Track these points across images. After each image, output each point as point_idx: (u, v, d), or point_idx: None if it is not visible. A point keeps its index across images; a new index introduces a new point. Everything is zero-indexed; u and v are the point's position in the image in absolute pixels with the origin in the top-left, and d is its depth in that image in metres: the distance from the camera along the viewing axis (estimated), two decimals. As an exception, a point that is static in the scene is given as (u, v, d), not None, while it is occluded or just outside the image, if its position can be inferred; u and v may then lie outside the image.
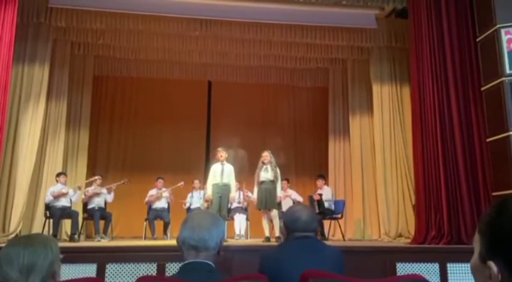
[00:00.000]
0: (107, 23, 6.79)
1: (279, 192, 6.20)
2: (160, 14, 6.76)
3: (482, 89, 5.43)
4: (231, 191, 6.15)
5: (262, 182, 6.06)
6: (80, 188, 6.83)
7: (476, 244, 0.72)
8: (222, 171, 6.08)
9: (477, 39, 5.54)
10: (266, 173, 6.07)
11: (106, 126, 8.94)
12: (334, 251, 2.00)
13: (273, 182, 6.04)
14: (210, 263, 1.45)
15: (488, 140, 5.32)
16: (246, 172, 7.99)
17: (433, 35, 5.88)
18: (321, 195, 6.91)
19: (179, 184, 7.44)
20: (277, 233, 6.09)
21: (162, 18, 6.84)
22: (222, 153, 6.18)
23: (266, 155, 6.13)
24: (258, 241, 6.14)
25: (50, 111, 7.14)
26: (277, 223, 6.16)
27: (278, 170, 6.14)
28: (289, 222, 1.99)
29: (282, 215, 2.28)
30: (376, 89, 7.54)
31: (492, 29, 5.21)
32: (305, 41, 7.37)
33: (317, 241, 2.02)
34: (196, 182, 7.66)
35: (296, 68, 8.52)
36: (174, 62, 8.28)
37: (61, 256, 1.35)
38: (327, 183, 7.60)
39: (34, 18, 6.57)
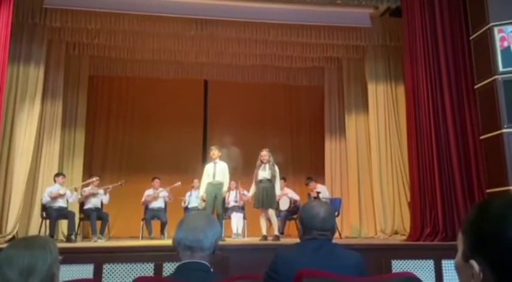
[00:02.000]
0: (102, 23, 6.78)
1: (278, 191, 6.19)
2: (155, 13, 6.76)
3: (476, 87, 5.48)
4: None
5: (260, 181, 6.06)
6: (76, 190, 6.84)
7: (460, 243, 0.74)
8: (214, 170, 6.09)
9: (470, 38, 5.58)
10: (264, 172, 6.07)
11: (102, 126, 8.94)
12: (354, 256, 1.86)
13: (271, 181, 6.06)
14: (206, 263, 1.47)
15: (481, 137, 5.36)
16: (242, 171, 8.03)
17: (427, 34, 5.93)
18: (318, 193, 6.95)
19: (176, 184, 7.45)
20: (275, 232, 6.12)
21: (158, 18, 6.84)
22: (214, 152, 6.20)
23: (264, 154, 6.13)
24: (255, 240, 6.17)
25: (45, 111, 7.12)
26: (275, 222, 6.18)
27: (276, 169, 6.15)
28: (307, 219, 1.85)
29: (299, 211, 2.14)
30: (371, 87, 7.58)
31: (485, 28, 5.25)
32: (300, 40, 7.39)
33: (336, 245, 1.90)
34: (196, 181, 7.69)
35: (292, 67, 8.54)
36: (170, 62, 8.27)
37: (60, 258, 1.37)
38: (322, 182, 7.62)
39: (29, 19, 6.56)
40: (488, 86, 5.23)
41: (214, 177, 6.04)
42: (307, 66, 8.53)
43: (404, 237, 6.24)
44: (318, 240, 1.82)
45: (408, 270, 4.35)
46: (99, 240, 6.34)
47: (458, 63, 5.74)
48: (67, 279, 1.74)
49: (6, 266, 1.27)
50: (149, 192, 7.38)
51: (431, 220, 5.62)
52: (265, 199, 6.01)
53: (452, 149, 5.59)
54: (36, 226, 6.49)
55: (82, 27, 6.93)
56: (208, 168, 6.16)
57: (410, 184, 6.35)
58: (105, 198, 7.01)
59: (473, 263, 0.69)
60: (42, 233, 6.14)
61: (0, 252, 1.33)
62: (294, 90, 9.54)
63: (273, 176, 6.04)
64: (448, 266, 4.59)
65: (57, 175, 6.66)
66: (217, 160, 6.19)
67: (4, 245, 4.94)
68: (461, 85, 5.71)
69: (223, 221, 6.62)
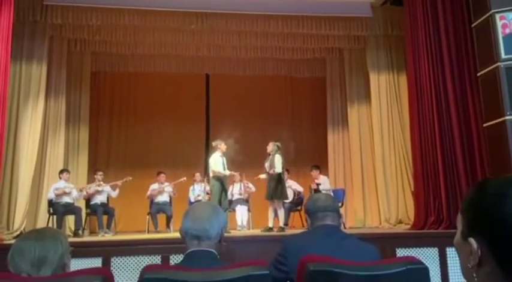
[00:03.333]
0: (103, 19, 6.79)
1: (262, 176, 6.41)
2: (155, 8, 6.76)
3: (478, 74, 5.46)
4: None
5: (267, 173, 6.26)
6: (82, 190, 6.90)
7: (459, 223, 0.77)
8: (223, 163, 6.18)
9: (472, 25, 5.55)
10: (266, 164, 6.26)
11: (105, 122, 8.97)
12: (369, 248, 1.82)
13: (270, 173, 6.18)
14: (213, 251, 1.51)
15: (485, 125, 5.35)
16: (246, 164, 8.04)
17: (429, 22, 5.91)
18: (318, 184, 6.98)
19: (181, 179, 7.48)
20: (280, 223, 6.20)
21: (158, 12, 6.84)
22: (224, 145, 6.33)
23: (268, 146, 6.31)
24: (259, 232, 6.22)
25: (49, 109, 7.16)
26: (281, 213, 6.26)
27: (275, 158, 6.19)
28: (311, 204, 1.96)
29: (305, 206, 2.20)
30: (373, 77, 7.56)
31: (487, 15, 5.22)
32: (301, 32, 7.37)
33: (350, 236, 1.93)
34: (197, 175, 7.72)
35: (293, 58, 8.52)
36: (171, 56, 8.27)
37: (71, 248, 1.40)
38: (326, 173, 7.63)
39: (30, 16, 6.57)
40: (490, 73, 5.21)
41: (224, 170, 6.16)
42: (308, 58, 8.51)
43: (408, 227, 6.26)
44: (327, 227, 1.83)
45: (413, 258, 4.38)
46: (106, 235, 6.40)
47: (460, 51, 5.73)
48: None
49: (18, 257, 1.31)
50: (154, 186, 7.42)
51: (435, 208, 5.65)
52: (269, 190, 6.16)
53: (455, 137, 5.60)
54: (43, 222, 6.55)
55: (83, 24, 6.94)
56: (218, 159, 6.22)
57: (414, 173, 6.37)
58: (114, 193, 7.09)
59: (472, 240, 0.71)
60: (49, 229, 6.19)
61: (12, 244, 1.36)
62: (296, 82, 9.52)
63: (269, 166, 6.17)
64: (453, 254, 4.61)
65: (61, 172, 6.73)
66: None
67: (12, 241, 5.01)
68: (464, 73, 5.70)
69: (228, 213, 6.67)
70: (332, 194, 7.08)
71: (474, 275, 0.71)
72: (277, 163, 6.15)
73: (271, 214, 6.27)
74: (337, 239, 1.80)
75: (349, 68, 8.19)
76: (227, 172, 6.21)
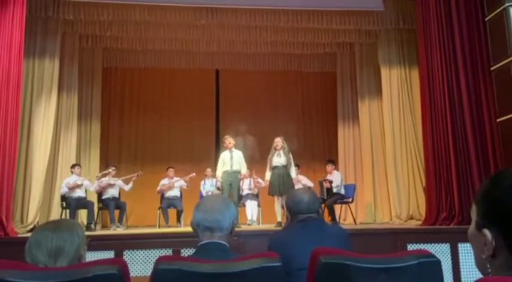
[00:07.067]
0: (114, 15, 6.83)
1: (293, 175, 6.21)
2: (166, 3, 6.78)
3: (492, 68, 5.39)
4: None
5: (275, 167, 6.06)
6: (98, 178, 6.99)
7: (473, 214, 0.77)
8: (231, 158, 6.16)
9: (486, 19, 5.48)
10: (279, 158, 6.07)
11: (116, 117, 9.05)
12: (338, 230, 2.08)
13: (286, 167, 6.06)
14: (225, 243, 1.52)
15: (498, 120, 5.29)
16: (256, 159, 8.06)
17: (441, 15, 5.83)
18: (331, 182, 6.94)
19: (191, 175, 7.52)
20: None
21: (168, 8, 6.86)
22: (230, 140, 6.27)
23: (278, 141, 6.14)
24: (269, 226, 6.24)
25: (61, 104, 7.24)
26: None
27: (291, 156, 6.18)
28: (292, 205, 2.06)
29: (286, 199, 2.33)
30: (384, 72, 7.50)
31: (500, 8, 5.14)
32: (312, 26, 7.32)
33: (321, 222, 2.11)
34: (209, 170, 7.76)
35: (303, 53, 8.48)
36: (181, 52, 8.30)
37: (88, 240, 1.43)
38: (337, 168, 7.62)
39: (42, 12, 6.64)
40: (504, 67, 5.14)
41: (231, 166, 6.12)
42: (318, 53, 8.47)
43: (419, 222, 6.22)
44: (305, 221, 2.00)
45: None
46: (118, 229, 6.48)
47: (473, 45, 5.64)
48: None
49: (35, 248, 1.33)
50: (164, 181, 7.48)
51: (447, 204, 5.60)
52: (282, 186, 5.99)
53: (468, 132, 5.53)
54: (57, 216, 6.65)
55: (94, 19, 6.99)
56: (225, 156, 6.23)
57: (425, 168, 6.32)
58: (128, 187, 7.16)
59: (486, 231, 0.71)
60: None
61: (29, 236, 1.39)
62: (306, 77, 9.49)
63: (288, 163, 6.06)
64: (465, 250, 4.58)
65: (73, 166, 6.81)
66: (233, 149, 6.26)
67: (27, 235, 5.10)
68: (477, 67, 5.62)
69: (238, 209, 6.69)
70: (343, 190, 7.05)
71: (488, 266, 0.71)
72: (292, 162, 6.13)
73: (279, 209, 6.25)
74: (313, 226, 1.99)
75: (360, 63, 8.13)
76: (218, 172, 6.24)
